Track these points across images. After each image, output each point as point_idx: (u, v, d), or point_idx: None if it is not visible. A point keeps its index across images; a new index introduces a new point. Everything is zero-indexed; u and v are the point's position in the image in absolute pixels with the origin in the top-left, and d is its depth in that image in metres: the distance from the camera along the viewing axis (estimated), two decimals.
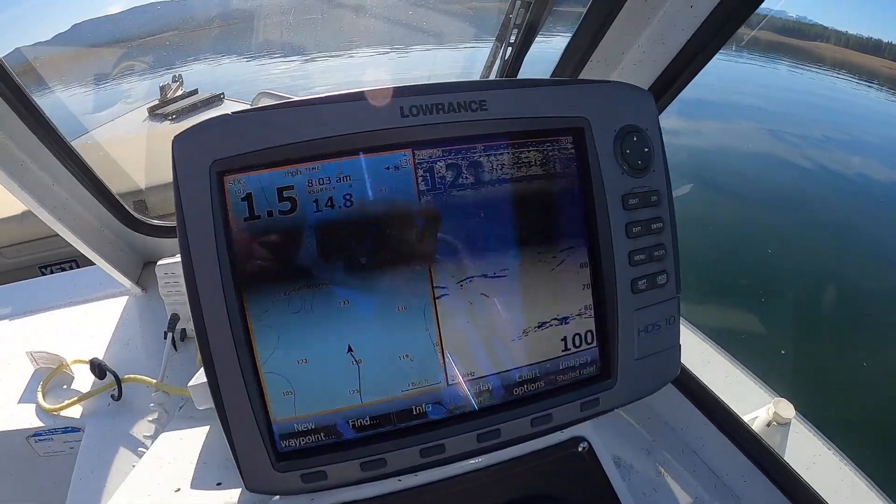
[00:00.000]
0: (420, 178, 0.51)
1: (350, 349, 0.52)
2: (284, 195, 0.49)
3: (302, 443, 0.52)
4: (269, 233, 0.49)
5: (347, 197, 0.50)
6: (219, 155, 0.48)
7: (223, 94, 3.85)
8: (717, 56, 0.71)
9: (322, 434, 0.53)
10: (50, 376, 1.05)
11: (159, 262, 0.99)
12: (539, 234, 0.56)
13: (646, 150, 0.59)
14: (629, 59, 0.73)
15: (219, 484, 0.62)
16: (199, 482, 0.64)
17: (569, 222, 0.57)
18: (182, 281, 0.94)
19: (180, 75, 3.89)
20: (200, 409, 0.70)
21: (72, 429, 1.01)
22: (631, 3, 0.67)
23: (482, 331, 0.55)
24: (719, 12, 0.64)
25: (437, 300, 0.53)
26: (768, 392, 1.21)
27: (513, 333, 0.56)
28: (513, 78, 0.93)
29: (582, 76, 0.77)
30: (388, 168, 0.50)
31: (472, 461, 0.60)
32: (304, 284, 0.50)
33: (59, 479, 1.08)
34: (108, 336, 1.14)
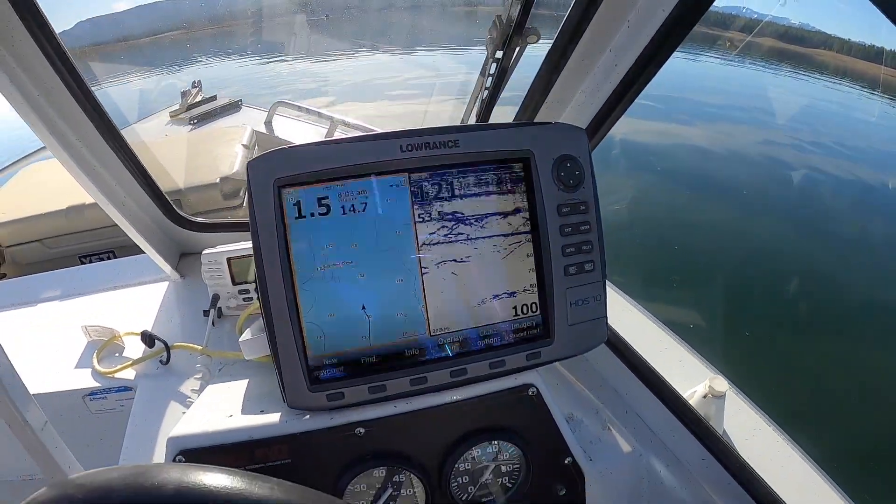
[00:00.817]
0: (412, 193, 0.80)
1: (363, 307, 0.80)
2: (322, 202, 0.77)
3: (328, 372, 0.81)
4: (311, 230, 0.78)
5: (363, 204, 0.78)
6: (278, 174, 0.76)
7: (241, 101, 4.15)
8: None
9: (342, 367, 0.81)
10: (104, 345, 1.33)
11: (204, 252, 1.27)
12: (494, 232, 0.84)
13: (577, 172, 0.87)
14: (575, 101, 1.02)
15: (262, 411, 0.90)
16: (246, 411, 0.92)
17: (517, 224, 0.85)
18: (223, 267, 1.23)
19: (199, 81, 4.20)
20: (248, 359, 0.99)
21: (124, 388, 1.28)
22: (573, 62, 0.97)
23: (454, 298, 0.84)
24: (636, 69, 0.93)
25: (423, 276, 0.82)
26: (712, 370, 1.49)
27: (475, 301, 0.85)
28: (478, 123, 1.23)
29: (539, 115, 1.06)
30: (391, 186, 0.79)
31: (448, 396, 0.88)
32: (334, 262, 0.78)
33: (106, 436, 1.35)
34: (153, 314, 1.42)
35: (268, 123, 3.88)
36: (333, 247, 0.78)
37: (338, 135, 3.75)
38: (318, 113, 3.88)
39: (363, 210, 0.79)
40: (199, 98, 4.19)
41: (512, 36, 1.07)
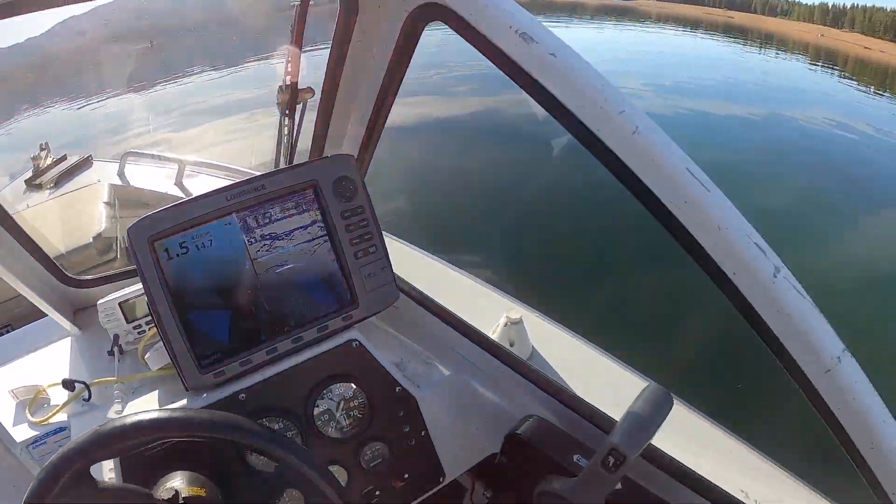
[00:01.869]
0: (241, 227, 1.27)
1: (224, 309, 1.27)
2: (182, 245, 1.22)
3: (210, 358, 1.25)
4: (179, 266, 1.22)
5: (210, 241, 1.24)
6: (150, 233, 1.19)
7: (91, 155, 4.35)
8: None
9: (219, 352, 1.26)
10: (32, 401, 1.66)
11: (99, 302, 1.65)
12: (301, 240, 1.33)
13: (351, 187, 1.36)
14: (349, 132, 1.52)
15: (172, 401, 1.33)
16: (161, 405, 1.35)
17: (316, 232, 1.34)
18: (117, 311, 1.63)
19: (47, 143, 4.34)
20: (154, 370, 1.42)
21: (60, 429, 1.61)
22: (338, 106, 1.47)
23: (284, 291, 1.32)
24: (379, 100, 1.42)
25: (259, 280, 1.30)
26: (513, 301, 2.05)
27: (299, 290, 1.34)
28: (278, 168, 1.67)
29: (326, 147, 1.55)
30: (225, 225, 1.26)
31: (297, 359, 1.32)
32: (198, 284, 1.24)
33: None
34: (66, 366, 1.75)
35: (121, 175, 4.12)
36: (195, 274, 1.24)
37: (186, 173, 4.08)
38: (166, 157, 4.18)
39: (210, 245, 1.25)
40: (49, 161, 4.36)
41: (294, 96, 1.55)
